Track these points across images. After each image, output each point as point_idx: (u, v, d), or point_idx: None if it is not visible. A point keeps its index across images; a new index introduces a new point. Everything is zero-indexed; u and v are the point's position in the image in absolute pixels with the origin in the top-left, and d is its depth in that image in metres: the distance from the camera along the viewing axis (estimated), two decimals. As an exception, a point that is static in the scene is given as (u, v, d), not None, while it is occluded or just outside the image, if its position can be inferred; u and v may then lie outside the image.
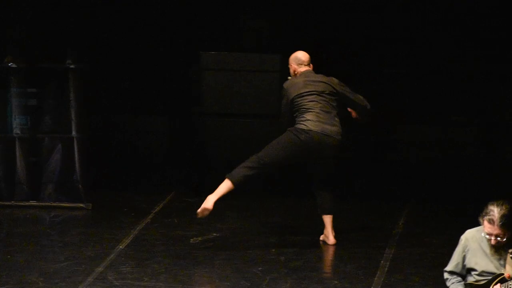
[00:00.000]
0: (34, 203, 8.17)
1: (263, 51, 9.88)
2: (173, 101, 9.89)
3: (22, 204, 8.17)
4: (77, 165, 8.14)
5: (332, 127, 7.07)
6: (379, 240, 7.39)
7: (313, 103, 7.08)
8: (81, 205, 8.14)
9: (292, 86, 7.20)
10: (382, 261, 6.92)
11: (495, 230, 5.49)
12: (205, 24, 9.81)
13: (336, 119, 7.13)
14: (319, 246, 7.25)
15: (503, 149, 9.38)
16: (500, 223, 5.47)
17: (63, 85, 8.16)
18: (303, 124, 7.03)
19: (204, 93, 9.45)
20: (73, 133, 8.17)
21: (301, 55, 7.35)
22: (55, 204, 8.16)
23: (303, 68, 7.30)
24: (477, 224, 5.64)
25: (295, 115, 7.12)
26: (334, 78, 7.29)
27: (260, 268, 6.76)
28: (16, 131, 8.21)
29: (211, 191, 7.07)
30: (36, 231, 7.55)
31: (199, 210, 7.01)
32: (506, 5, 9.30)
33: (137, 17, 9.78)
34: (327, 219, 7.22)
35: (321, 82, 7.19)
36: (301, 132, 7.01)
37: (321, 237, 7.28)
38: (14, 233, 7.55)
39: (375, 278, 6.59)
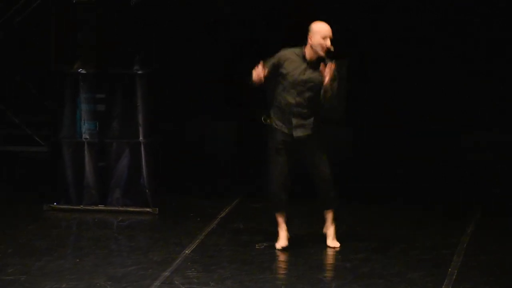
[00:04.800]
0: (102, 208, 8.27)
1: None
2: (241, 106, 9.92)
3: (91, 208, 8.27)
4: (144, 170, 8.21)
5: (305, 129, 6.94)
6: (447, 247, 7.29)
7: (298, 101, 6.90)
8: (148, 209, 8.21)
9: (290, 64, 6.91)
10: (450, 269, 6.83)
11: None
12: (271, 29, 9.83)
13: (313, 117, 6.94)
14: (386, 252, 7.18)
15: None
16: None
17: (131, 90, 8.24)
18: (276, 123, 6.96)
19: (269, 98, 9.45)
20: (140, 138, 8.24)
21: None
22: (122, 208, 8.25)
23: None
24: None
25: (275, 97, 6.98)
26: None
27: (326, 275, 6.73)
28: (85, 136, 8.32)
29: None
30: (104, 235, 7.63)
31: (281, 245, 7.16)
32: None
33: (204, 23, 9.84)
34: (328, 215, 7.17)
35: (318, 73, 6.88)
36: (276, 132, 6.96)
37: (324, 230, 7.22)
38: (82, 237, 7.65)
39: (443, 287, 6.50)
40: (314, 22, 6.98)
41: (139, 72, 8.21)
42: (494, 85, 9.55)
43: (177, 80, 9.77)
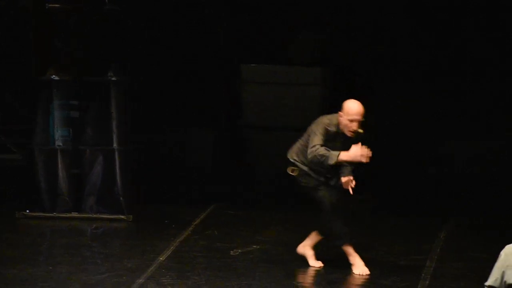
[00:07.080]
0: (76, 215, 8.24)
1: (308, 64, 9.86)
2: (217, 114, 9.94)
3: (64, 215, 8.24)
4: (118, 177, 8.20)
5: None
6: (420, 254, 7.34)
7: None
8: (122, 217, 8.20)
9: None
10: (423, 275, 6.87)
11: None
12: (248, 36, 9.85)
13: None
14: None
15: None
16: None
17: (105, 97, 8.23)
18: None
19: (245, 106, 9.48)
20: (114, 145, 8.23)
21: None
22: (96, 215, 8.23)
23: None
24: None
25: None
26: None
27: (300, 281, 6.74)
28: (58, 143, 8.29)
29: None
30: (78, 242, 7.60)
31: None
32: None
33: (179, 31, 9.85)
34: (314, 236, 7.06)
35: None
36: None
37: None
38: (56, 244, 7.62)
39: (416, 292, 6.55)
40: (349, 100, 6.79)
41: (113, 79, 8.19)
42: (472, 95, 9.61)
43: (153, 88, 9.77)
